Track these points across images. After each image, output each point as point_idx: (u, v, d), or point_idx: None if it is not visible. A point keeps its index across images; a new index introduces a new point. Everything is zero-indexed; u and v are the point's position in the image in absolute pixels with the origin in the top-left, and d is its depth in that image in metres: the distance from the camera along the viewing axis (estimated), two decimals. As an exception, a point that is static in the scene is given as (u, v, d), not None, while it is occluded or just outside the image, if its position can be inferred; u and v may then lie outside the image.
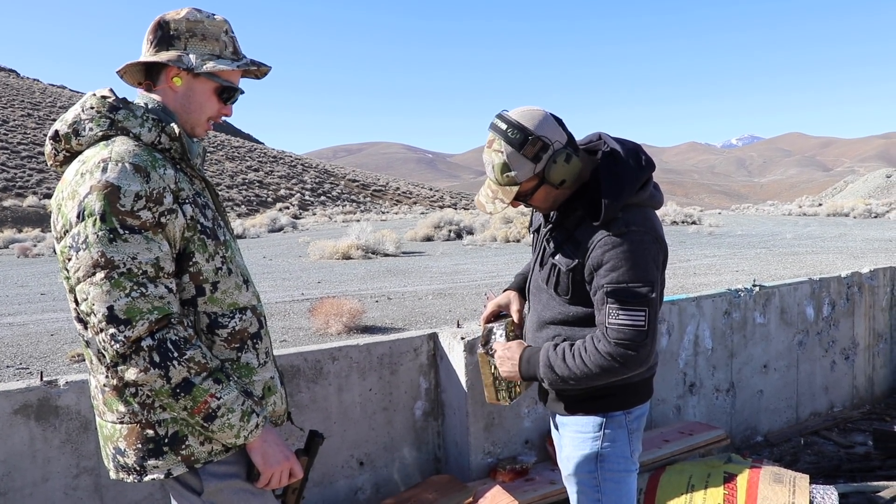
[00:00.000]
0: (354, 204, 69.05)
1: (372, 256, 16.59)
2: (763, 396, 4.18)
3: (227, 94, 1.55)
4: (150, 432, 1.42)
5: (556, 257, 1.84)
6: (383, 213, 57.10)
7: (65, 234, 1.36)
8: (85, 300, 1.34)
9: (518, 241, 19.63)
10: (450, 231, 22.27)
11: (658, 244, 1.77)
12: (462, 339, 2.93)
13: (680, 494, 2.86)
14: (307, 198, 68.07)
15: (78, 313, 1.44)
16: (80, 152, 1.45)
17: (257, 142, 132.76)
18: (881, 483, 3.29)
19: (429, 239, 21.83)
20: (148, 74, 1.53)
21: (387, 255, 16.94)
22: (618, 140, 1.83)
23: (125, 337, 1.31)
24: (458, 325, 3.16)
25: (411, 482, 3.04)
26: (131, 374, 1.34)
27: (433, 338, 3.10)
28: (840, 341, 4.61)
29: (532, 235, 2.07)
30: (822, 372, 4.51)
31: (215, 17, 1.53)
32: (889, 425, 4.31)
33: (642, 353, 1.70)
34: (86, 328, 1.44)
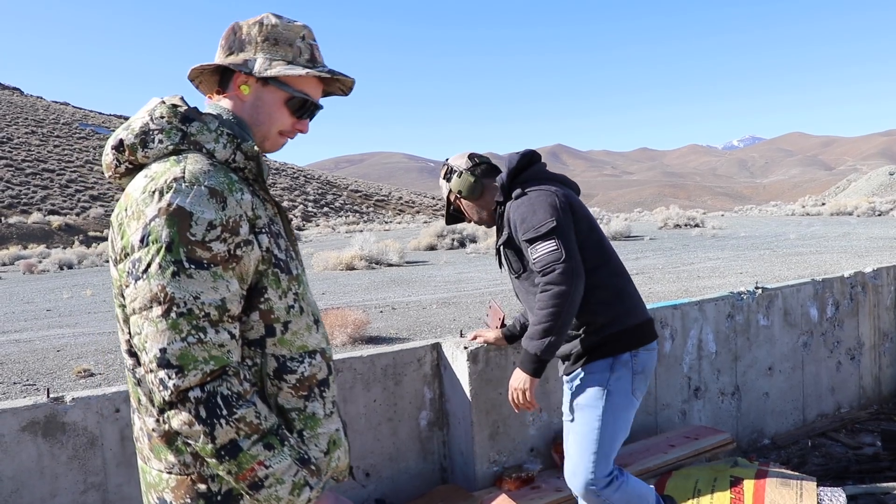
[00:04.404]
0: (357, 214, 69.17)
1: (376, 267, 16.62)
2: (769, 399, 4.16)
3: (299, 105, 1.39)
4: (203, 487, 1.26)
5: (498, 243, 2.39)
6: (386, 222, 57.16)
7: (125, 258, 1.20)
8: (139, 334, 1.18)
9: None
10: (453, 240, 22.27)
11: (555, 195, 2.23)
12: (465, 348, 2.94)
13: (686, 499, 2.86)
14: (310, 209, 68.21)
15: (130, 346, 1.28)
16: (143, 165, 1.28)
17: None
18: (891, 484, 3.28)
19: (432, 248, 21.84)
20: (220, 82, 1.40)
21: (390, 264, 16.97)
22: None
23: (174, 385, 1.14)
24: (462, 334, 3.16)
25: (417, 492, 3.04)
26: (175, 423, 1.18)
27: (436, 348, 3.11)
28: (845, 342, 4.59)
29: (496, 257, 2.52)
30: (827, 373, 4.49)
31: (294, 22, 1.39)
32: (897, 425, 4.29)
33: (567, 267, 2.11)
34: (138, 363, 1.28)
